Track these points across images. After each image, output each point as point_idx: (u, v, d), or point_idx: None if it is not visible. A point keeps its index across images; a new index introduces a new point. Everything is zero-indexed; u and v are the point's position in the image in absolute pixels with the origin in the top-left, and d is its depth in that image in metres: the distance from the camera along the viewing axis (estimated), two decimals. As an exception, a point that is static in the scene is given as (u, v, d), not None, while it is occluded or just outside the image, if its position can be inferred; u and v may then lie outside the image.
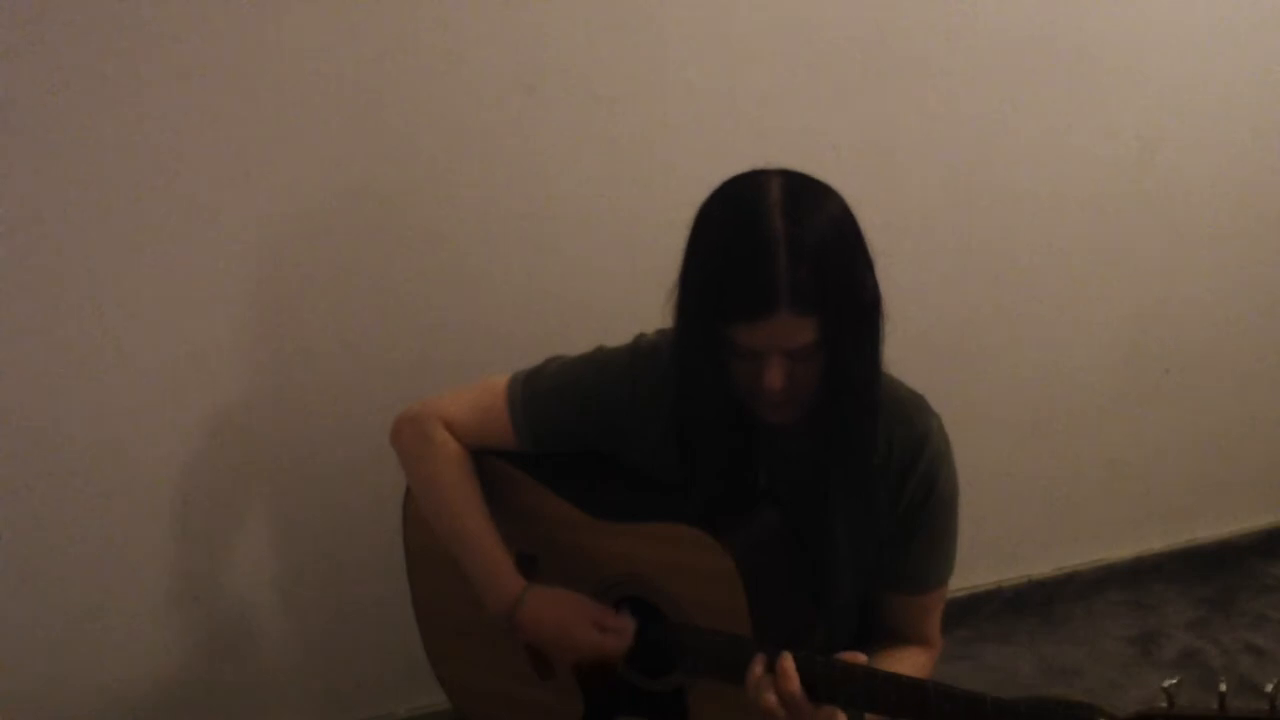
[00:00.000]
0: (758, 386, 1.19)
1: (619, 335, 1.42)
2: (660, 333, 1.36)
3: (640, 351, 1.38)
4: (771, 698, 1.19)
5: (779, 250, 1.12)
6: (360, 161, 1.76)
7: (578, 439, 1.40)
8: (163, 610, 1.84)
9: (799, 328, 1.14)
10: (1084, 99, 2.17)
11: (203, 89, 1.65)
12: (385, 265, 1.82)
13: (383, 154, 1.77)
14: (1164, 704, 1.03)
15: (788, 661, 1.19)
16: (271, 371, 1.80)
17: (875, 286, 1.21)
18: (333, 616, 1.94)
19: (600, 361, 1.40)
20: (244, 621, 1.90)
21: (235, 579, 1.88)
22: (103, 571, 1.78)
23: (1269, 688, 0.99)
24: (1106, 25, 2.14)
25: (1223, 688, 1.02)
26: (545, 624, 1.33)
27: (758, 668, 1.21)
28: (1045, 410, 2.36)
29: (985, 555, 2.38)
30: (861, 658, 1.21)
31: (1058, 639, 2.37)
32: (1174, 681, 1.04)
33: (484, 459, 1.43)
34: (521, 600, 1.34)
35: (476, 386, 1.44)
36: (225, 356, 1.77)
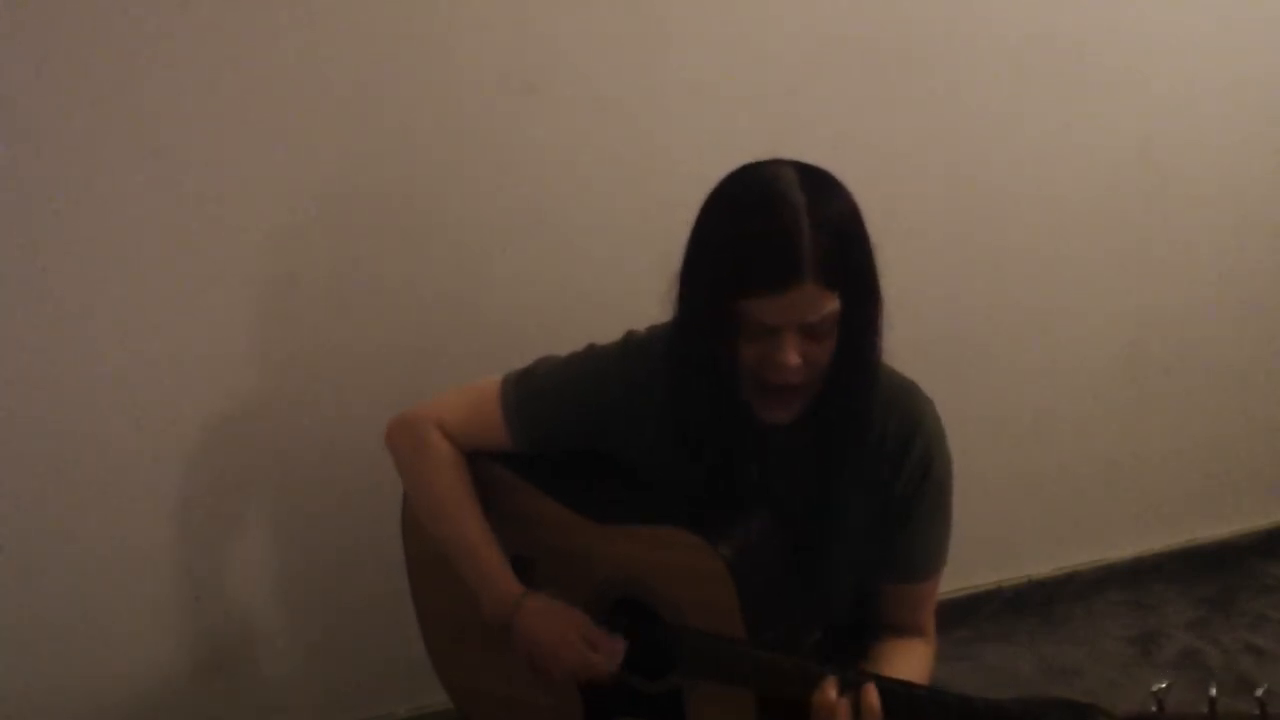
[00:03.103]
0: (768, 368, 1.18)
1: (619, 332, 1.42)
2: (651, 329, 1.37)
3: (631, 349, 1.38)
4: None
5: (804, 222, 1.13)
6: (361, 161, 1.76)
7: (572, 439, 1.40)
8: (163, 611, 1.84)
9: (821, 300, 1.15)
10: (1084, 99, 2.18)
11: (203, 88, 1.65)
12: (386, 265, 1.82)
13: (383, 154, 1.77)
14: (1154, 708, 1.03)
15: (873, 696, 1.16)
16: (272, 371, 1.80)
17: (877, 280, 1.22)
18: (333, 616, 1.94)
19: (592, 360, 1.40)
20: (244, 621, 1.90)
21: (235, 579, 1.88)
22: (103, 572, 1.78)
23: (1259, 692, 0.99)
24: (1106, 25, 2.14)
25: (1213, 691, 1.02)
26: (539, 634, 1.34)
27: (830, 691, 1.18)
28: (1045, 410, 2.36)
29: (985, 555, 2.38)
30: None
31: (1058, 639, 2.36)
32: (1163, 686, 1.04)
33: (478, 462, 1.43)
34: (519, 606, 1.34)
35: (469, 389, 1.44)
36: (226, 356, 1.77)
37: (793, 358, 1.17)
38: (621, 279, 1.89)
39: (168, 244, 1.69)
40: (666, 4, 1.86)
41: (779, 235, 1.13)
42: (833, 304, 1.15)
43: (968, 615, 2.38)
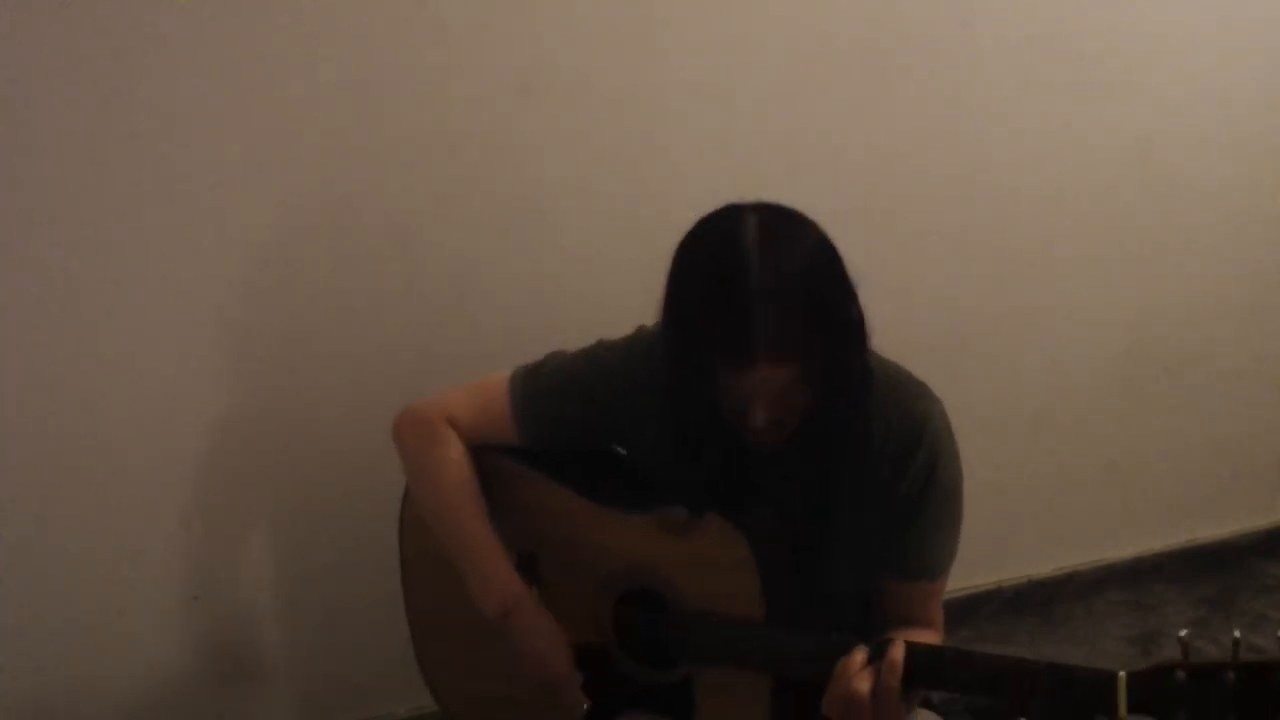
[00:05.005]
0: (745, 418, 1.20)
1: (618, 333, 1.42)
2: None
3: (636, 347, 1.38)
4: (864, 688, 1.17)
5: (754, 303, 1.12)
6: (358, 162, 1.76)
7: (579, 435, 1.41)
8: (162, 611, 1.84)
9: (780, 373, 1.15)
10: (1084, 98, 2.18)
11: (201, 90, 1.65)
12: (385, 265, 1.82)
13: (380, 155, 1.77)
14: (1179, 656, 1.04)
15: (897, 651, 1.17)
16: (272, 372, 1.80)
17: (858, 310, 1.21)
18: (333, 617, 1.94)
19: (600, 356, 1.41)
20: (244, 622, 1.90)
21: (235, 579, 1.88)
22: (103, 572, 1.78)
23: None
24: (1107, 25, 2.14)
25: (1237, 634, 1.03)
26: (527, 639, 1.36)
27: (859, 656, 1.19)
28: (1045, 410, 2.36)
29: (985, 555, 2.38)
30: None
31: (1058, 639, 2.37)
32: (1187, 632, 1.04)
33: (485, 454, 1.43)
34: (520, 605, 1.35)
35: (478, 384, 1.45)
36: (226, 357, 1.77)
37: (761, 421, 1.18)
38: (621, 279, 1.89)
39: (166, 245, 1.69)
40: (666, 4, 1.86)
41: (731, 319, 1.13)
42: (795, 370, 1.15)
43: (968, 615, 2.38)
